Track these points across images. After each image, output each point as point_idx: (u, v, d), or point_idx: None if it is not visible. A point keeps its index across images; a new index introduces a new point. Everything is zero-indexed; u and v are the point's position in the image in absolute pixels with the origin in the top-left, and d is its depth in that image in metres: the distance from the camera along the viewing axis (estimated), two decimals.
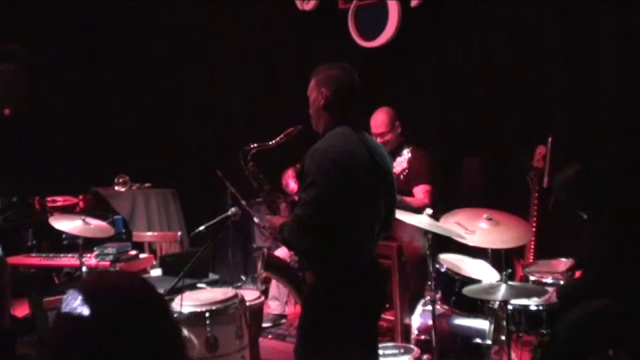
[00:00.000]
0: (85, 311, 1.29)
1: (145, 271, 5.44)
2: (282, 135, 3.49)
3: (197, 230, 3.66)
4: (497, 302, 3.82)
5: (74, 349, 1.29)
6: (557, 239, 4.55)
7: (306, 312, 3.01)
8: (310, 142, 2.96)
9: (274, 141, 3.52)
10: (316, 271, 2.92)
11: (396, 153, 4.97)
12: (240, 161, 3.57)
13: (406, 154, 5.02)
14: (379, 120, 4.98)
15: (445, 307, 4.10)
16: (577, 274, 4.08)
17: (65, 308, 1.32)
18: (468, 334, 4.06)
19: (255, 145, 3.55)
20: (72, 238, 5.22)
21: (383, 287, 3.12)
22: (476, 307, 4.02)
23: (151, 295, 1.40)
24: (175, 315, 3.62)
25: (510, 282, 3.51)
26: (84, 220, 4.82)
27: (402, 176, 4.90)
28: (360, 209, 2.88)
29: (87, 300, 1.31)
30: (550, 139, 4.79)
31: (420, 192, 4.91)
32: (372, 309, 3.04)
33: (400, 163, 4.96)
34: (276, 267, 3.34)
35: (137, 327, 1.32)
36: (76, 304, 1.31)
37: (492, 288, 3.54)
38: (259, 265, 3.28)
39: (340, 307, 2.84)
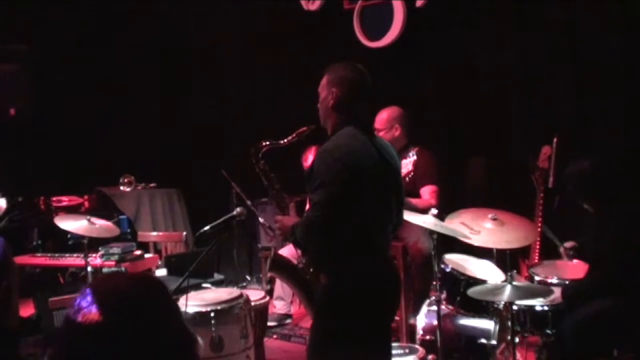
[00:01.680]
0: (96, 317, 1.29)
1: (150, 271, 5.44)
2: (294, 135, 3.45)
3: (202, 230, 3.65)
4: (502, 303, 3.82)
5: (84, 354, 1.29)
6: (562, 239, 4.54)
7: (319, 312, 2.99)
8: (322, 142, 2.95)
9: (286, 140, 3.48)
10: (329, 272, 2.91)
11: (401, 155, 4.95)
12: (251, 158, 3.53)
13: (412, 156, 5.00)
14: (379, 116, 4.98)
15: (450, 307, 4.10)
16: (582, 266, 4.06)
17: (75, 313, 1.31)
18: (473, 334, 4.04)
19: (268, 142, 3.52)
20: (77, 238, 5.23)
21: (397, 287, 3.10)
22: (481, 307, 4.01)
23: (161, 298, 1.39)
24: None
25: (515, 283, 3.50)
26: (89, 220, 4.82)
27: (407, 178, 4.89)
28: (371, 208, 2.86)
29: (98, 306, 1.30)
30: (555, 139, 4.78)
31: (427, 192, 4.90)
32: (385, 309, 3.03)
33: (406, 165, 4.94)
34: (282, 268, 3.33)
35: (148, 332, 1.31)
36: (87, 308, 1.30)
37: (497, 289, 3.53)
38: (266, 265, 3.27)
39: (353, 308, 2.82)
